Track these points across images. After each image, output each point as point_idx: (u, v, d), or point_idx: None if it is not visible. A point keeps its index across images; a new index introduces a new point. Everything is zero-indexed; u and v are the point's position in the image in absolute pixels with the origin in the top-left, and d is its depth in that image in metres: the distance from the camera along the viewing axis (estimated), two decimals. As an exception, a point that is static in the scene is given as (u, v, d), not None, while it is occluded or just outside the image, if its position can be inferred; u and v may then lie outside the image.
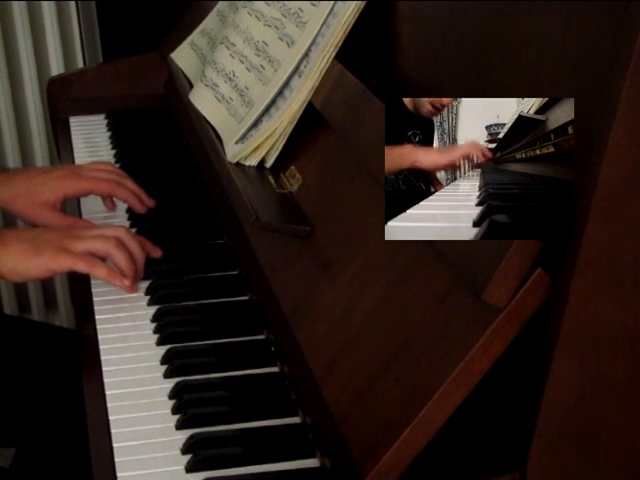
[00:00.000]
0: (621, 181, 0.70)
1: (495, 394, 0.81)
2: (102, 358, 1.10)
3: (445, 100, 0.88)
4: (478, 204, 0.80)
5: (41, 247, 1.16)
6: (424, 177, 0.87)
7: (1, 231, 1.18)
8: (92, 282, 1.24)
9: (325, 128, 1.17)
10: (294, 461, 0.93)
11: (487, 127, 0.84)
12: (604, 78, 0.71)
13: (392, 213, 0.83)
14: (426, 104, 0.97)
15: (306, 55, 1.22)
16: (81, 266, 1.16)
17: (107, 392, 1.04)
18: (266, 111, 1.26)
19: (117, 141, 1.69)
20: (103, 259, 1.19)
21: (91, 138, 1.72)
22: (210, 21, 1.62)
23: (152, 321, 1.17)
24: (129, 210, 1.42)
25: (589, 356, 0.76)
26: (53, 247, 1.16)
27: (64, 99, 1.80)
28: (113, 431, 0.98)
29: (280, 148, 1.25)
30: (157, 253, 1.26)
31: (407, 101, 0.90)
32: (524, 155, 0.82)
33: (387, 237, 0.83)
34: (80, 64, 2.19)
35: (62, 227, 1.27)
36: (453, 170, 0.91)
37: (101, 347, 1.12)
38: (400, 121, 0.88)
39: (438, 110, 0.93)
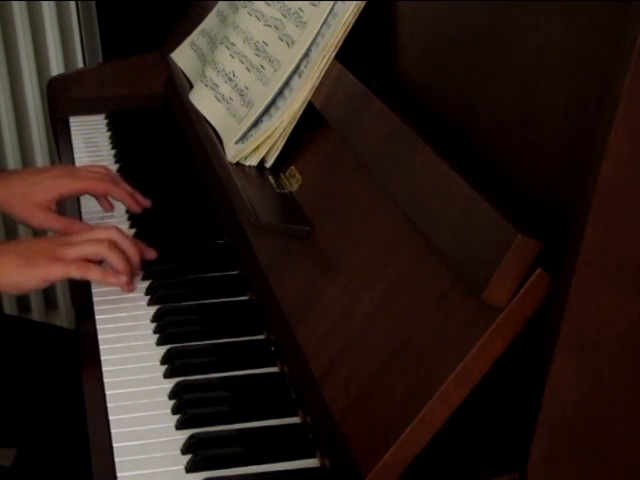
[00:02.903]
0: (621, 181, 0.71)
1: (495, 394, 0.81)
2: (102, 358, 1.10)
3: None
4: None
5: (34, 258, 1.16)
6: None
7: None
8: (92, 282, 1.24)
9: (325, 128, 1.17)
10: (294, 461, 0.93)
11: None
12: (604, 78, 0.72)
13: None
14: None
15: (306, 55, 1.22)
16: (74, 272, 1.16)
17: (107, 392, 1.04)
18: (266, 111, 1.26)
19: (117, 141, 1.69)
20: (99, 262, 1.19)
21: (91, 138, 1.72)
22: (210, 21, 1.62)
23: (152, 321, 1.17)
24: (129, 210, 1.42)
25: (589, 356, 0.76)
26: (46, 257, 1.16)
27: (64, 99, 1.80)
28: (113, 431, 0.98)
29: (280, 148, 1.25)
30: (151, 254, 1.26)
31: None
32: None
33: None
34: (80, 64, 2.19)
35: (54, 236, 1.27)
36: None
37: (101, 347, 1.12)
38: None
39: None
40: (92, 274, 1.18)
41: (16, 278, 1.16)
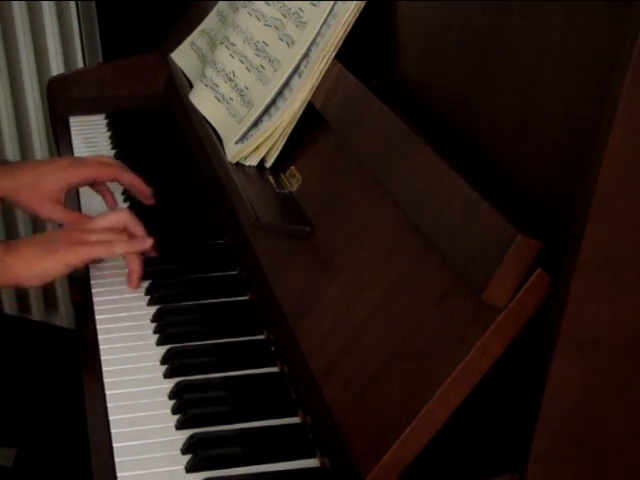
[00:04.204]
0: (621, 181, 0.71)
1: (495, 394, 0.81)
2: (102, 358, 1.10)
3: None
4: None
5: (54, 245, 1.15)
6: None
7: (11, 242, 1.17)
8: (92, 282, 1.24)
9: (325, 128, 1.17)
10: (294, 461, 0.93)
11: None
12: (604, 78, 0.72)
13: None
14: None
15: (306, 55, 1.22)
16: (100, 250, 1.16)
17: (107, 392, 1.04)
18: (266, 111, 1.26)
19: (117, 141, 1.69)
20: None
21: (91, 138, 1.72)
22: (210, 21, 1.62)
23: (152, 321, 1.17)
24: (130, 209, 1.42)
25: (589, 356, 0.76)
26: (67, 242, 1.15)
27: (64, 99, 1.80)
28: (113, 431, 0.98)
29: (280, 148, 1.25)
30: (153, 253, 1.26)
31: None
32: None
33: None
34: (80, 64, 2.19)
35: (69, 227, 1.26)
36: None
37: (101, 347, 1.12)
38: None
39: None
40: (118, 248, 1.17)
41: (39, 267, 1.14)
